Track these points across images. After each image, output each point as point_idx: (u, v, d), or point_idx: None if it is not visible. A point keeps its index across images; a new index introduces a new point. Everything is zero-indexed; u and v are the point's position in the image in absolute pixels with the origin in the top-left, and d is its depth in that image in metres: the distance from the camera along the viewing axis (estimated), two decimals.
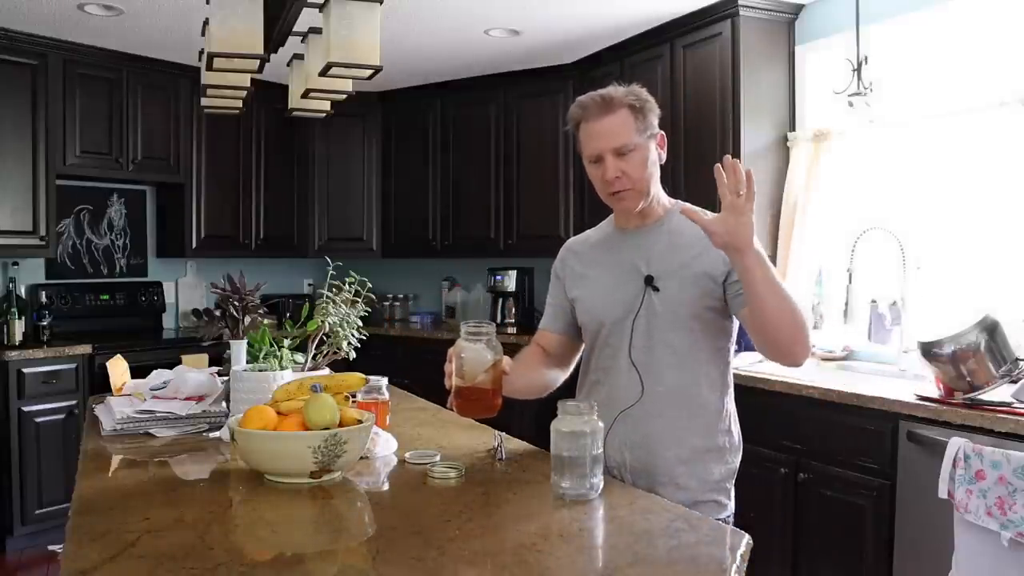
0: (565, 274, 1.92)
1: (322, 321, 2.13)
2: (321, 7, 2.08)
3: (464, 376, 1.61)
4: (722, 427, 1.76)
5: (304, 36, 2.40)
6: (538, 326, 2.00)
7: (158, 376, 2.37)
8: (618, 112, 1.69)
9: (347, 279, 2.18)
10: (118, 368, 2.41)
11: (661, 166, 1.78)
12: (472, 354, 1.60)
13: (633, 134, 1.69)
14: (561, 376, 1.95)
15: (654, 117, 1.74)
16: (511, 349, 1.69)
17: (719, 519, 1.70)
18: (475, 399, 1.62)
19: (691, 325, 1.71)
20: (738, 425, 1.81)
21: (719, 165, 1.50)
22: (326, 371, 2.13)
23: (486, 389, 1.61)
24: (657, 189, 1.78)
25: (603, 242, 1.88)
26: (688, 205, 1.66)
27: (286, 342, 2.13)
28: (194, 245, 4.82)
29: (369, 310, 2.24)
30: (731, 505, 1.78)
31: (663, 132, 1.77)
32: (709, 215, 1.57)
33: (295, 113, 2.71)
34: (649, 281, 1.73)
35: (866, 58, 3.18)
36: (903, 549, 2.58)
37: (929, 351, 2.61)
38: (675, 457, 1.71)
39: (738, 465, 1.79)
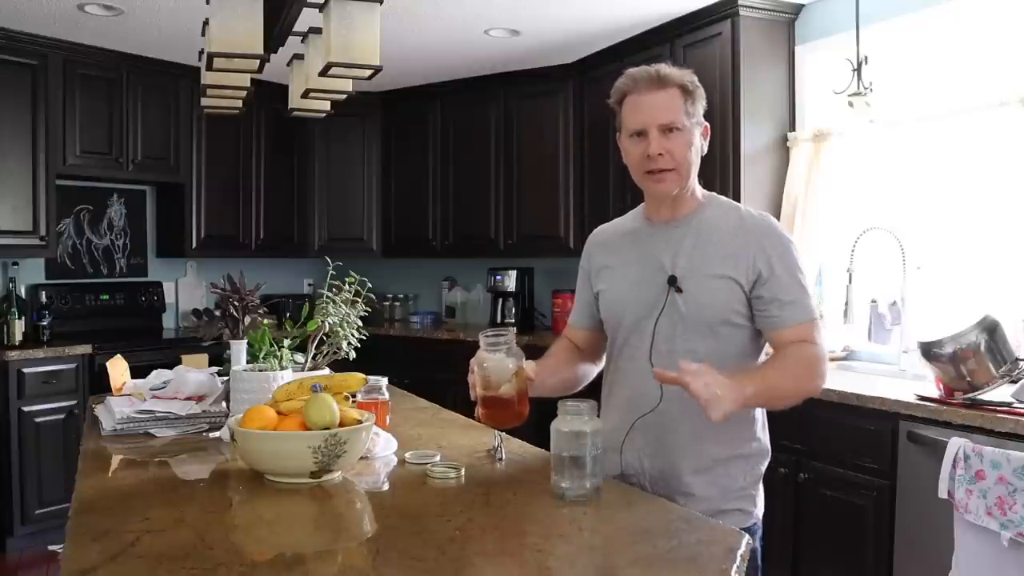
0: (591, 266, 1.85)
1: (322, 321, 2.13)
2: (321, 7, 2.08)
3: (488, 386, 1.58)
4: (749, 434, 1.69)
5: (304, 36, 2.40)
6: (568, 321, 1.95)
7: (158, 376, 2.37)
8: (669, 90, 1.62)
9: (347, 279, 2.18)
10: (118, 368, 2.40)
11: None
12: (493, 363, 1.58)
13: (682, 115, 1.62)
14: (594, 369, 1.90)
15: (702, 105, 1.67)
16: None
17: (744, 528, 1.61)
18: (501, 408, 1.59)
19: (717, 330, 1.63)
20: (767, 430, 1.74)
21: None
22: (326, 371, 2.13)
23: (511, 398, 1.58)
24: (695, 180, 1.70)
25: (631, 233, 1.79)
26: (663, 373, 1.49)
27: (286, 342, 2.13)
28: (194, 245, 4.82)
29: (369, 310, 2.24)
30: (757, 511, 1.71)
31: (707, 123, 1.70)
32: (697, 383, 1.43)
33: (295, 113, 2.71)
34: (672, 281, 1.64)
35: (866, 58, 3.18)
36: (903, 549, 2.58)
37: (929, 351, 2.62)
38: (695, 467, 1.64)
39: (764, 470, 1.72)
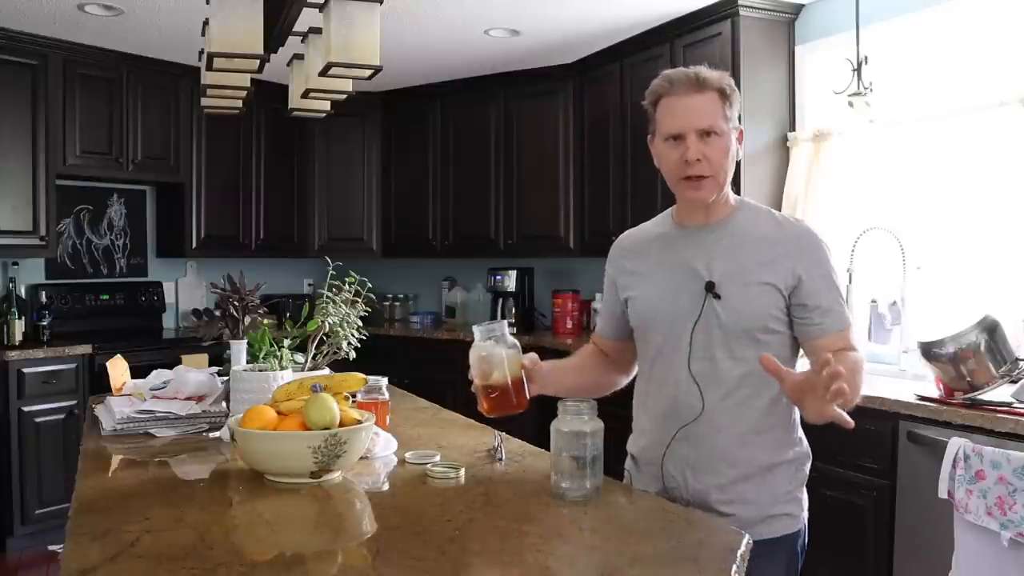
0: (617, 274, 1.80)
1: (322, 321, 2.13)
2: (321, 7, 2.08)
3: (484, 376, 1.60)
4: (791, 439, 1.65)
5: (304, 36, 2.40)
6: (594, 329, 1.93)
7: (158, 376, 2.37)
8: (708, 93, 1.58)
9: (347, 279, 2.18)
10: (118, 368, 2.40)
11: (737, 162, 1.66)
12: (487, 353, 1.60)
13: (720, 119, 1.58)
14: (622, 378, 1.86)
15: (738, 109, 1.63)
16: None
17: (792, 533, 1.62)
18: (498, 397, 1.60)
19: (757, 336, 1.58)
20: (802, 431, 1.69)
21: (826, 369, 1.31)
22: (326, 371, 2.13)
23: (507, 387, 1.59)
24: (729, 185, 1.66)
25: (660, 239, 1.73)
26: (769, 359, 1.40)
27: (286, 342, 2.13)
28: (194, 245, 4.82)
29: (369, 310, 2.24)
30: (803, 515, 1.66)
31: (742, 128, 1.66)
32: (795, 375, 1.39)
33: (295, 113, 2.71)
34: (710, 288, 1.59)
35: (866, 58, 3.18)
36: (903, 549, 2.58)
37: (929, 351, 2.62)
38: (741, 475, 1.59)
39: (807, 473, 1.68)
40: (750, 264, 1.60)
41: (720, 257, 1.62)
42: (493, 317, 5.06)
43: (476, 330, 1.62)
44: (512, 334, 1.65)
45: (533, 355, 1.64)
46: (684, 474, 1.63)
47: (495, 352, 1.59)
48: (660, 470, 1.65)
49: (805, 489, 1.69)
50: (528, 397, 1.62)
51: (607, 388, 1.84)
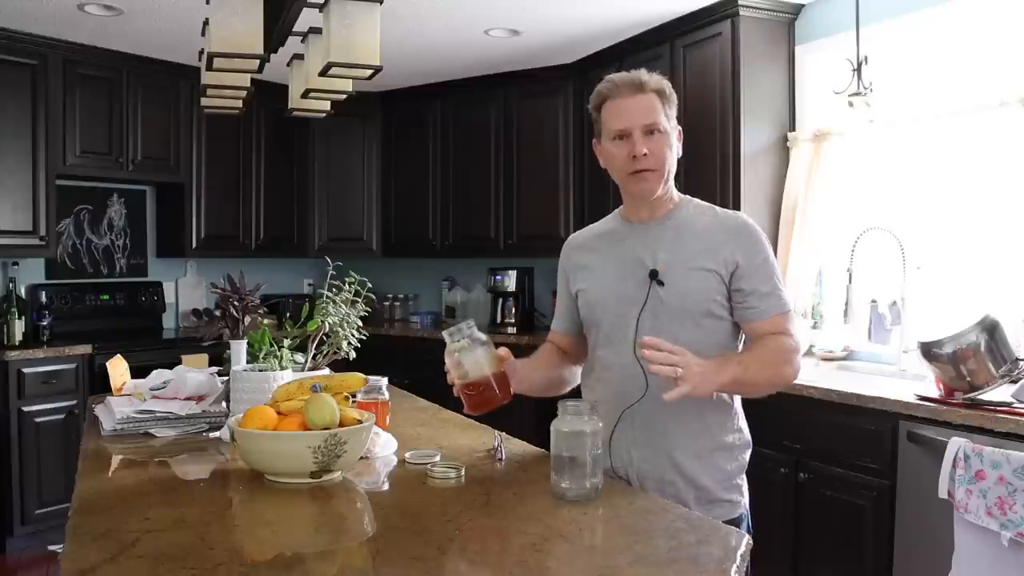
0: (569, 268, 1.90)
1: (322, 321, 2.13)
2: (321, 7, 2.08)
3: (464, 376, 1.62)
4: (731, 424, 1.74)
5: (304, 36, 2.40)
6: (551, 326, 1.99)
7: (158, 376, 2.37)
8: (648, 95, 1.71)
9: (347, 279, 2.18)
10: (118, 368, 2.41)
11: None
12: (461, 353, 1.63)
13: (661, 118, 1.70)
14: (581, 372, 1.93)
15: (675, 110, 1.76)
16: (512, 349, 1.70)
17: (733, 519, 1.68)
18: (481, 393, 1.62)
19: (699, 321, 1.69)
20: (745, 421, 1.79)
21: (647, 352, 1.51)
22: (326, 371, 2.13)
23: (488, 382, 1.61)
24: (672, 181, 1.77)
25: (608, 234, 1.85)
26: (651, 341, 1.54)
27: (286, 342, 2.13)
28: (194, 245, 4.82)
29: (369, 310, 2.24)
30: (744, 501, 1.75)
31: (680, 128, 1.77)
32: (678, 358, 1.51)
33: (295, 113, 2.71)
34: (654, 275, 1.69)
35: (866, 58, 3.18)
36: (903, 549, 2.58)
37: (929, 351, 2.61)
38: (683, 456, 1.68)
39: (747, 461, 1.77)
40: (691, 253, 1.71)
41: (664, 248, 1.72)
42: (493, 317, 5.07)
43: (445, 335, 1.65)
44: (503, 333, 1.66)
45: (504, 349, 1.68)
46: (630, 454, 1.71)
47: (469, 351, 1.62)
48: (608, 449, 1.70)
49: (745, 477, 1.77)
50: (511, 389, 1.64)
51: (571, 382, 1.92)
